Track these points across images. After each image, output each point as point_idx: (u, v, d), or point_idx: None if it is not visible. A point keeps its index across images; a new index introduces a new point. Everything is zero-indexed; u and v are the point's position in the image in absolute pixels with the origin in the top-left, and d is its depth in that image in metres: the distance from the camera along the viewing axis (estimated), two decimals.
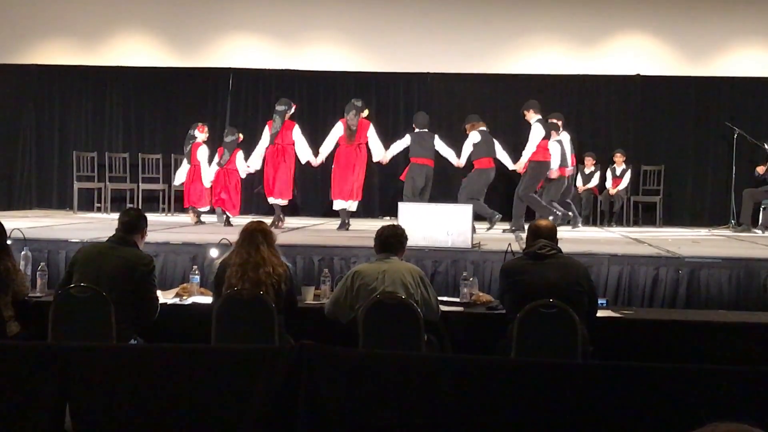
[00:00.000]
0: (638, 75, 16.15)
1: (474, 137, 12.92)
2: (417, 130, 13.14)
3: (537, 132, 12.79)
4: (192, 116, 15.74)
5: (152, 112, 17.03)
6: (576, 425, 4.32)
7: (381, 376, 4.56)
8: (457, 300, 7.56)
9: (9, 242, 7.06)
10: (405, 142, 13.11)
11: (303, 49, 16.66)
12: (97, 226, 11.53)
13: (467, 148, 12.98)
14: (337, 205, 12.79)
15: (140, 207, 15.48)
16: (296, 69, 16.60)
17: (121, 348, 5.56)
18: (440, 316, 6.67)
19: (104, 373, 4.58)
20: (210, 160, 13.46)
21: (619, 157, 15.65)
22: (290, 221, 13.59)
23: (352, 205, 12.75)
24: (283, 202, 12.93)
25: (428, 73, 16.46)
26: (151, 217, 14.10)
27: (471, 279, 7.79)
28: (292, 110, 12.94)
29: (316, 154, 12.88)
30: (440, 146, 13.18)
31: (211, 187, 13.38)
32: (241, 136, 13.41)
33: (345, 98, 16.17)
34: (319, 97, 16.64)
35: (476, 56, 16.22)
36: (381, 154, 13.05)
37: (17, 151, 17.09)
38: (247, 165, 13.25)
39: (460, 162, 13.26)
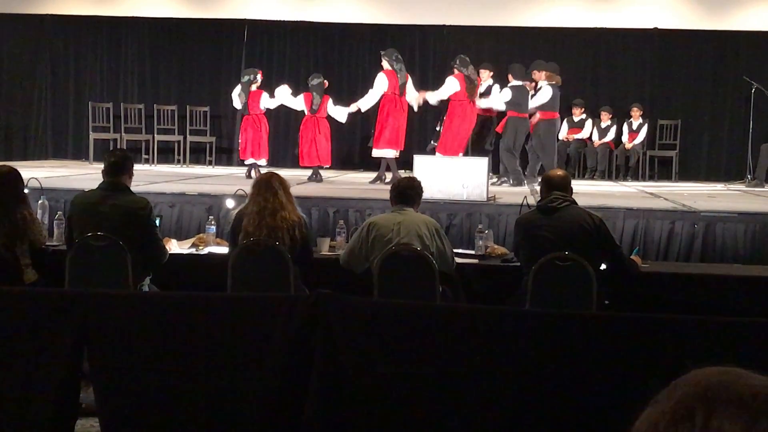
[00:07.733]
0: (655, 28, 16.00)
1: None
2: (515, 82, 12.49)
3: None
4: (207, 68, 15.76)
5: (167, 63, 17.00)
6: (589, 375, 4.33)
7: (396, 325, 4.57)
8: (472, 252, 7.57)
9: (26, 191, 7.09)
10: (505, 96, 12.44)
11: (318, 0, 16.57)
12: None
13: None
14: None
15: (155, 158, 15.57)
16: (311, 20, 16.50)
17: (139, 295, 5.60)
18: (455, 268, 6.68)
19: (122, 320, 4.61)
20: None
21: (635, 111, 15.54)
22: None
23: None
24: (393, 153, 12.51)
25: (444, 25, 16.35)
26: (167, 168, 14.34)
27: (486, 232, 7.79)
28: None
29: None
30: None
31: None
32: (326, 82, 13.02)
33: (360, 50, 16.23)
34: (334, 49, 16.56)
35: (492, 9, 16.08)
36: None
37: (33, 101, 17.10)
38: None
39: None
